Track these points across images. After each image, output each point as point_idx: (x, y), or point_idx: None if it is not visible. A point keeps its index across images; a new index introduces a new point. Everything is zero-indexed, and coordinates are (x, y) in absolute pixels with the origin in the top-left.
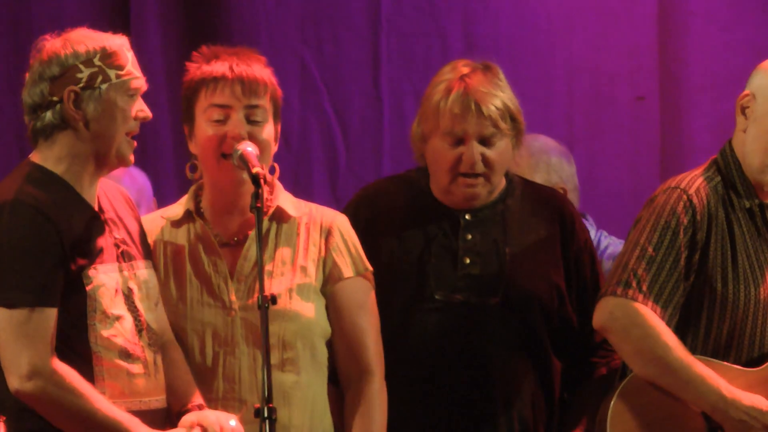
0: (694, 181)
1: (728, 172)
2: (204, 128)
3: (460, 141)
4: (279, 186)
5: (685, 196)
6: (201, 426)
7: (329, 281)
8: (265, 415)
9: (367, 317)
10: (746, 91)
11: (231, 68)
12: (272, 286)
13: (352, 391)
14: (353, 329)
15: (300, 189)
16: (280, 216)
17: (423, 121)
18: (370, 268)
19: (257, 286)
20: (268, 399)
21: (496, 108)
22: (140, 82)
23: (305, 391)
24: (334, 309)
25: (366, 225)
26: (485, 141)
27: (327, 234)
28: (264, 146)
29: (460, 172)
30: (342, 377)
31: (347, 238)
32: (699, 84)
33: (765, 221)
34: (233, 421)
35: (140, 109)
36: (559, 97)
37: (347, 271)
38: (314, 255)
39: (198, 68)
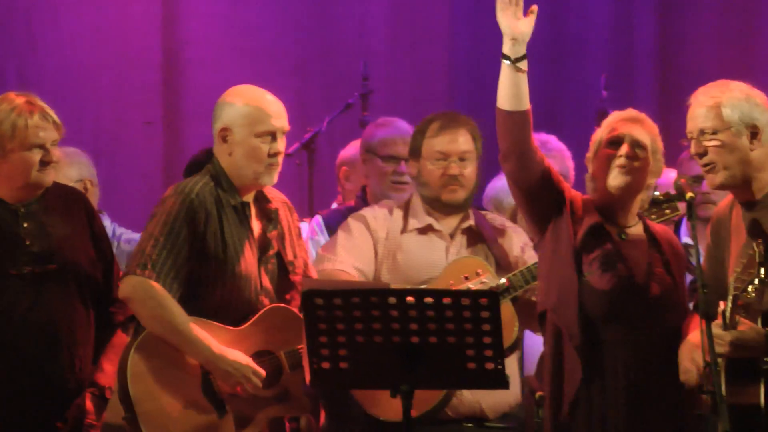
0: (195, 186)
1: (218, 179)
2: None
3: (41, 147)
4: None
5: (188, 198)
6: None
7: None
8: None
9: None
10: (222, 125)
11: None
12: None
13: None
14: None
15: None
16: None
17: (4, 142)
18: None
19: None
20: None
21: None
22: None
23: None
24: None
25: None
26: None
27: None
28: None
29: (40, 168)
30: None
31: None
32: (192, 112)
33: (246, 216)
34: None
35: None
36: (89, 122)
37: None
38: None
39: None
